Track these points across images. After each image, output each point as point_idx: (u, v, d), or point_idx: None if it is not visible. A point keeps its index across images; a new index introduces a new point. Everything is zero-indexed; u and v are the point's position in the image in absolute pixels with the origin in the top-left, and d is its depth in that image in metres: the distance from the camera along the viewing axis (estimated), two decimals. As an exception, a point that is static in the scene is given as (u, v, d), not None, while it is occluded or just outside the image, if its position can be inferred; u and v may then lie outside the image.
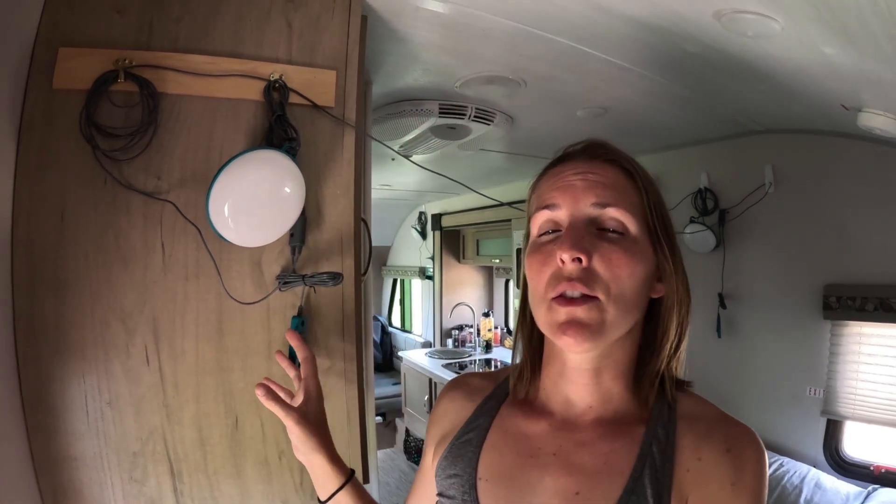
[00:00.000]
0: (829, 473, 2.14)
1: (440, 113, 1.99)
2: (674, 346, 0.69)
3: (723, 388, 2.32)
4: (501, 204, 1.88)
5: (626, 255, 0.64)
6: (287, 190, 0.95)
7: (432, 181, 2.67)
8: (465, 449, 0.73)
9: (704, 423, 0.65)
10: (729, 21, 1.17)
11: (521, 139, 2.57)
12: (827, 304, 2.19)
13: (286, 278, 1.04)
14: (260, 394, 0.84)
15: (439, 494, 0.73)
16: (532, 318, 0.72)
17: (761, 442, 0.63)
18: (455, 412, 0.79)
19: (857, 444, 2.22)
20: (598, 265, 0.63)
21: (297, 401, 0.89)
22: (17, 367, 0.93)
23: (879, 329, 2.11)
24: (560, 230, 0.67)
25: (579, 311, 0.63)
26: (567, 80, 1.73)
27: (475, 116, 2.05)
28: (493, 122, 2.12)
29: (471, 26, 1.36)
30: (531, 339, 0.77)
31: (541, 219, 0.69)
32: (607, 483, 0.63)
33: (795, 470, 2.13)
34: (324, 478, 0.85)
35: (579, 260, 0.63)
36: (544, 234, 0.69)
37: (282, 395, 0.90)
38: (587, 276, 0.63)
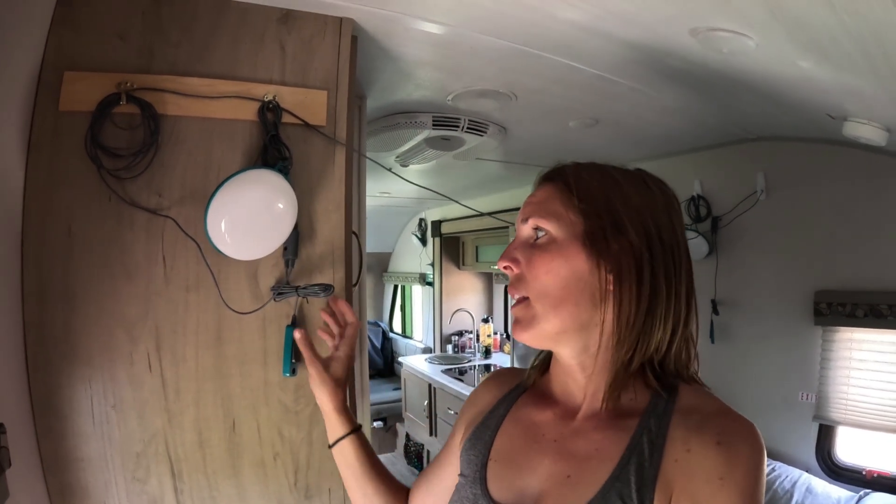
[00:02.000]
0: (821, 478, 2.15)
1: (434, 125, 2.03)
2: (628, 331, 0.70)
3: (716, 392, 2.31)
4: (482, 214, 1.92)
5: (543, 255, 0.73)
6: (280, 206, 1.01)
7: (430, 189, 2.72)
8: (484, 433, 0.81)
9: (699, 416, 0.65)
10: (704, 38, 1.22)
11: (516, 149, 2.61)
12: (818, 311, 2.21)
13: (280, 289, 1.09)
14: (298, 337, 0.98)
15: (460, 474, 0.81)
16: None
17: (760, 437, 0.62)
18: (485, 400, 0.88)
19: (849, 448, 2.24)
20: (525, 269, 0.74)
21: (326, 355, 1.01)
22: (27, 373, 0.98)
23: (870, 335, 2.13)
24: None
25: (515, 310, 0.76)
26: (557, 93, 1.78)
27: (468, 128, 2.10)
28: (486, 133, 2.17)
29: (461, 44, 1.41)
30: None
31: None
32: (596, 468, 0.67)
33: (787, 474, 2.15)
34: (331, 425, 0.97)
35: (510, 268, 0.75)
36: None
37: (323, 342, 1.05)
38: (517, 281, 0.75)
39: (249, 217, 1.00)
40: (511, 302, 0.78)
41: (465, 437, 0.85)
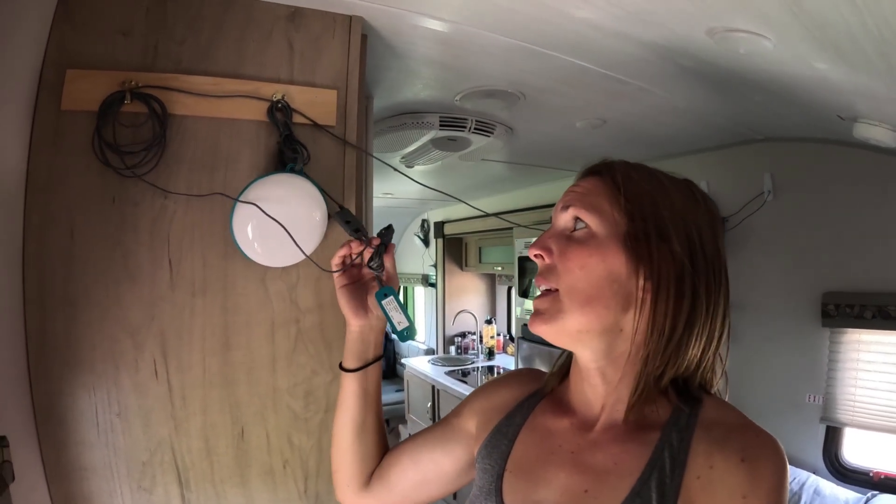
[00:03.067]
0: (828, 480, 2.14)
1: (441, 125, 2.01)
2: (663, 344, 0.67)
3: (722, 394, 2.32)
4: (489, 214, 1.90)
5: (580, 249, 0.70)
6: (316, 217, 0.97)
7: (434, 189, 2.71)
8: (500, 441, 0.78)
9: (722, 430, 0.63)
10: (721, 39, 1.20)
11: (522, 150, 2.59)
12: (826, 312, 2.20)
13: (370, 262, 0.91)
14: (337, 259, 0.88)
15: (475, 484, 0.78)
16: None
17: (783, 453, 0.60)
18: (501, 397, 0.85)
19: (857, 450, 2.22)
20: (557, 260, 0.71)
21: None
22: (29, 380, 0.96)
23: (878, 336, 2.12)
24: None
25: (539, 302, 0.72)
26: (565, 93, 1.75)
27: (475, 128, 2.08)
28: (493, 133, 2.15)
29: (469, 43, 1.39)
30: None
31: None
32: (615, 484, 0.64)
33: (795, 476, 2.13)
34: (365, 345, 0.90)
35: (541, 257, 0.72)
36: None
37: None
38: (547, 271, 0.72)
39: (275, 225, 0.96)
40: (535, 292, 0.75)
41: (479, 440, 0.82)
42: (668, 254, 0.68)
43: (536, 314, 0.72)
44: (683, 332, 0.67)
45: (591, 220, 0.71)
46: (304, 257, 1.02)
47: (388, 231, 0.90)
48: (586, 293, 0.69)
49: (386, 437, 0.94)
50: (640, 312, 0.68)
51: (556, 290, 0.70)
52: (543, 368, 0.90)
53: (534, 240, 0.75)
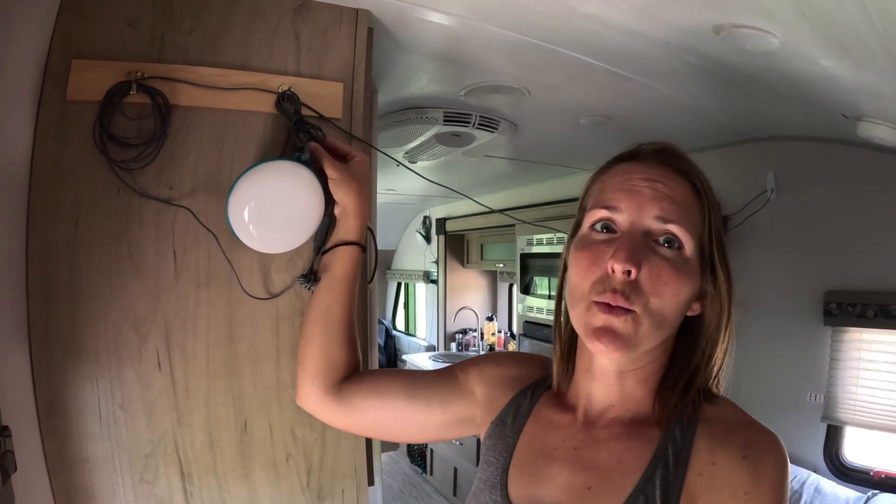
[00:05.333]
0: (828, 478, 2.15)
1: (445, 121, 2.01)
2: (715, 366, 0.69)
3: (724, 392, 2.32)
4: (493, 211, 1.90)
5: (675, 273, 0.64)
6: (305, 199, 0.97)
7: (436, 186, 2.70)
8: (505, 434, 0.77)
9: (724, 427, 0.63)
10: (728, 35, 1.19)
11: (526, 146, 2.59)
12: (827, 311, 2.20)
13: (308, 278, 1.03)
14: (314, 145, 0.95)
15: (478, 476, 0.77)
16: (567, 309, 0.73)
17: (784, 450, 0.60)
18: (511, 373, 0.84)
19: (858, 449, 2.23)
20: (645, 279, 0.63)
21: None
22: (31, 371, 0.95)
23: (880, 335, 2.12)
24: (615, 232, 0.67)
25: (616, 321, 0.63)
26: (570, 89, 1.75)
27: (479, 124, 2.07)
28: (497, 129, 2.14)
29: (474, 38, 1.39)
30: (564, 330, 0.79)
31: (597, 216, 0.68)
32: (619, 481, 0.64)
33: (795, 475, 2.14)
34: (345, 226, 0.94)
35: (629, 272, 0.63)
36: (597, 231, 0.69)
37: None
38: (631, 289, 0.63)
39: (273, 210, 0.96)
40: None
41: (484, 416, 0.81)
42: (726, 275, 0.68)
43: (612, 335, 0.63)
44: (721, 347, 0.69)
45: (688, 242, 0.65)
46: (299, 244, 1.02)
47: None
48: (669, 320, 0.66)
49: (356, 343, 0.94)
50: (693, 331, 0.69)
51: (634, 312, 0.63)
52: None
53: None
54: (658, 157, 0.70)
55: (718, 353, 0.69)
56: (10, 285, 0.93)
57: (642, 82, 1.65)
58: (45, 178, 0.97)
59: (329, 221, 1.02)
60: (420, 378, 0.90)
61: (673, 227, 0.65)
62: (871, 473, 2.12)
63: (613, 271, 0.63)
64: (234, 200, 0.95)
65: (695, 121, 2.12)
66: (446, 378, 0.89)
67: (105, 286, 0.99)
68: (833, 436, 2.24)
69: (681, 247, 0.65)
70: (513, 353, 0.91)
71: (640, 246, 0.64)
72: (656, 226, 0.65)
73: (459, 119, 2.03)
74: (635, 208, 0.66)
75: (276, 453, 1.09)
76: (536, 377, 0.83)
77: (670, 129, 2.24)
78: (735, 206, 2.51)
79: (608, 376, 0.71)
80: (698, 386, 0.69)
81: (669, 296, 0.64)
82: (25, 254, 0.96)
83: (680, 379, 0.69)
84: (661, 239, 0.65)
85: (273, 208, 0.96)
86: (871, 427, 2.13)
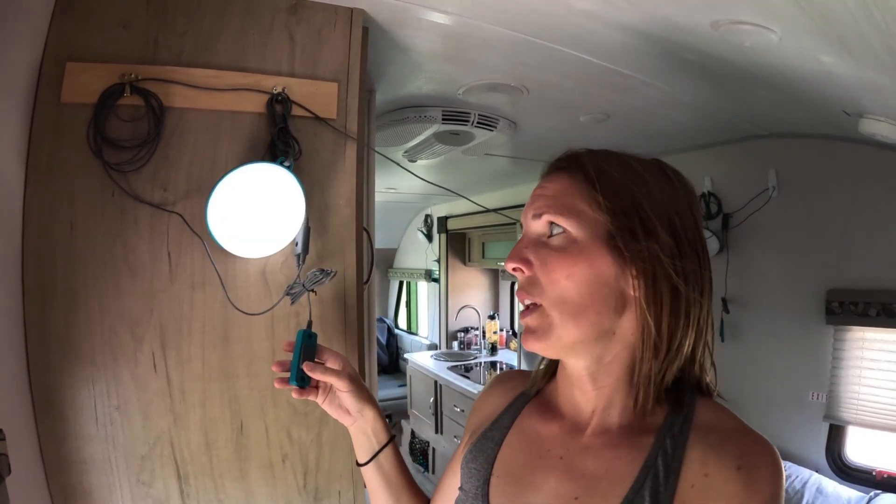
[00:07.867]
0: (831, 478, 2.13)
1: (443, 119, 2.00)
2: (664, 342, 0.65)
3: (725, 391, 2.29)
4: (489, 210, 1.89)
5: (561, 258, 0.66)
6: (285, 203, 0.97)
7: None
8: (487, 445, 0.76)
9: (717, 436, 0.61)
10: (727, 31, 1.18)
11: (525, 144, 2.58)
12: (830, 309, 2.18)
13: (292, 290, 1.05)
14: (308, 368, 0.87)
15: (460, 487, 0.76)
16: None
17: (780, 459, 0.59)
18: (490, 407, 0.83)
19: (860, 448, 2.21)
20: (539, 271, 0.67)
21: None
22: (28, 373, 0.95)
23: (882, 334, 2.10)
24: None
25: (528, 318, 0.68)
26: (569, 87, 1.74)
27: (478, 123, 2.07)
28: (496, 128, 2.14)
29: (472, 36, 1.38)
30: None
31: None
32: (606, 491, 0.62)
33: (797, 475, 2.13)
34: (370, 434, 0.87)
35: (521, 270, 0.68)
36: None
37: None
38: (529, 285, 0.67)
39: (252, 214, 0.96)
40: (519, 307, 0.73)
41: (467, 446, 0.80)
42: (656, 247, 0.65)
43: (528, 332, 0.68)
44: (679, 325, 0.65)
45: (569, 225, 0.66)
46: (279, 249, 1.02)
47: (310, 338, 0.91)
48: (576, 303, 0.65)
49: (422, 495, 0.91)
50: (632, 312, 0.66)
51: (540, 305, 0.66)
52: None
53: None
54: (552, 166, 0.74)
55: (684, 340, 0.66)
56: (6, 287, 0.93)
57: (640, 79, 1.64)
58: (41, 180, 0.97)
59: (309, 230, 1.04)
60: (448, 472, 0.88)
61: (547, 217, 0.67)
62: (874, 473, 2.11)
63: (513, 272, 0.69)
64: (214, 204, 0.95)
65: (695, 118, 2.10)
66: (455, 461, 0.86)
67: (100, 288, 1.00)
68: (835, 435, 2.22)
69: (564, 231, 0.67)
70: (488, 388, 0.89)
71: (528, 245, 0.68)
72: (536, 224, 0.69)
73: (458, 118, 2.02)
74: (524, 217, 0.71)
75: (272, 454, 1.09)
76: (516, 395, 0.82)
77: (670, 127, 2.22)
78: (736, 204, 2.49)
79: (583, 381, 0.70)
80: (668, 381, 0.66)
81: (563, 279, 0.65)
82: (21, 255, 0.96)
83: (641, 371, 0.66)
84: (552, 232, 0.68)
85: (253, 212, 0.96)
86: (873, 426, 2.11)
